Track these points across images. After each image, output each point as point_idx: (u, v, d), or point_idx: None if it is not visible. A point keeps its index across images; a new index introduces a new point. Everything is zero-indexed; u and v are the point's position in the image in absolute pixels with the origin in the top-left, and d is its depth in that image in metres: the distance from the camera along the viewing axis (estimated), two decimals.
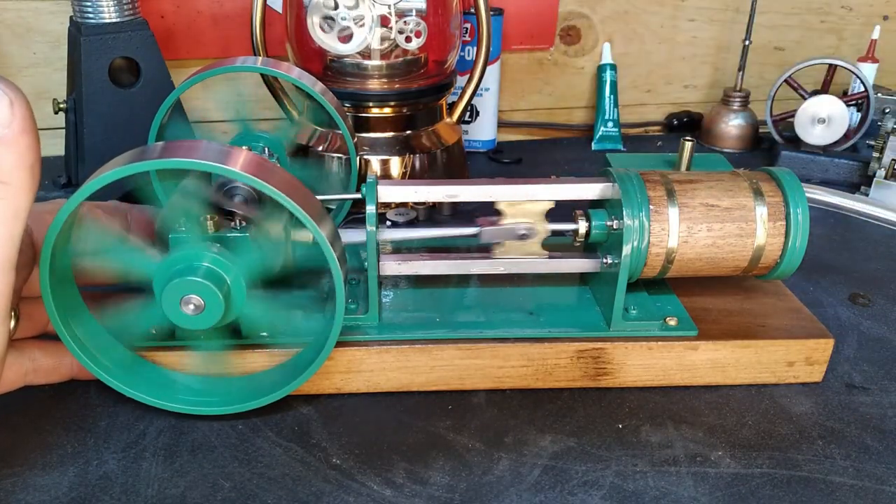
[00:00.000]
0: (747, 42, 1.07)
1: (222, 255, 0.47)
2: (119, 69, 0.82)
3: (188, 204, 0.51)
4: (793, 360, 0.56)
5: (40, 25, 0.94)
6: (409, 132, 0.85)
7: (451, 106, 0.93)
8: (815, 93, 1.00)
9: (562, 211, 0.57)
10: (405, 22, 0.82)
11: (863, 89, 1.01)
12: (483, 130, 1.07)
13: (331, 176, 0.82)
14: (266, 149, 0.67)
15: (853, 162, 0.97)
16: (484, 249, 0.57)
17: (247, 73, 0.80)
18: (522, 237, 0.55)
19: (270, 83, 0.88)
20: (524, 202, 0.55)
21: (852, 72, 1.01)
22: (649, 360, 0.55)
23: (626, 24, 1.13)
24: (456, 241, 0.64)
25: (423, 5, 0.83)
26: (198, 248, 0.47)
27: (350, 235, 0.55)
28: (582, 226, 0.56)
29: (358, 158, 0.76)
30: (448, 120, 0.91)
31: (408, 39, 0.82)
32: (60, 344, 0.52)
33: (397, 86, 0.84)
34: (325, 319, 0.52)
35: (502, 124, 1.12)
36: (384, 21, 0.81)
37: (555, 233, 0.56)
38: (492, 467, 0.49)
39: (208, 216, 0.49)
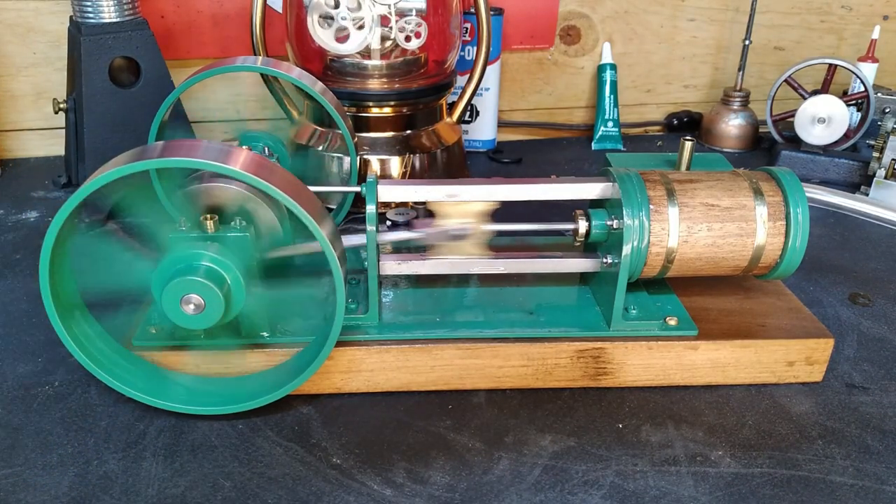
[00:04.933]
0: (747, 42, 1.07)
1: (222, 254, 0.47)
2: (119, 69, 0.82)
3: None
4: (793, 359, 0.56)
5: (40, 25, 0.94)
6: (408, 132, 0.85)
7: (451, 106, 0.93)
8: (815, 93, 1.00)
9: (562, 211, 0.57)
10: (405, 22, 0.82)
11: (863, 89, 1.01)
12: (483, 130, 1.07)
13: (331, 176, 0.82)
14: (266, 148, 0.67)
15: (853, 162, 0.97)
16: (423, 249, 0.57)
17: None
18: (459, 237, 0.55)
19: (270, 83, 0.88)
20: (466, 203, 0.55)
21: (852, 72, 1.01)
22: (649, 360, 0.55)
23: (626, 24, 1.13)
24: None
25: (423, 5, 0.83)
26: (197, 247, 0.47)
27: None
28: (582, 225, 0.56)
29: (358, 158, 0.76)
30: (448, 120, 0.91)
31: (408, 39, 0.82)
32: None
33: (397, 86, 0.84)
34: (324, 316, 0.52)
35: (502, 124, 1.12)
36: (384, 21, 0.81)
37: (553, 232, 0.56)
38: (492, 467, 0.49)
39: (208, 216, 0.49)
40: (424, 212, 0.82)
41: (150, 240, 0.49)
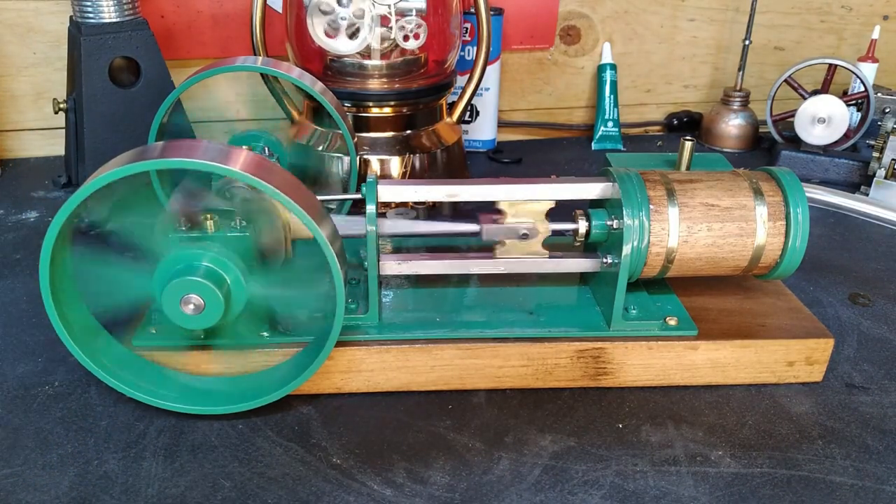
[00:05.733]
0: (747, 42, 1.07)
1: (222, 254, 0.47)
2: (119, 69, 0.82)
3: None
4: (793, 359, 0.56)
5: (40, 25, 0.94)
6: (408, 132, 0.85)
7: (451, 106, 0.93)
8: (815, 93, 1.00)
9: (562, 211, 0.57)
10: (405, 22, 0.82)
11: (863, 89, 1.01)
12: (483, 130, 1.07)
13: (330, 176, 0.82)
14: (266, 148, 0.67)
15: (853, 162, 0.97)
16: (485, 248, 0.57)
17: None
18: (523, 237, 0.55)
19: (270, 83, 0.88)
20: (525, 202, 0.55)
21: (852, 72, 1.01)
22: (649, 360, 0.55)
23: (626, 24, 1.13)
24: (457, 240, 0.64)
25: (423, 5, 0.83)
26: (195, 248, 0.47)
27: (349, 227, 0.54)
28: (582, 225, 0.56)
29: (358, 158, 0.76)
30: (448, 120, 0.91)
31: (407, 39, 0.82)
32: None
33: (397, 86, 0.84)
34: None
35: (502, 124, 1.12)
36: (384, 21, 0.81)
37: (555, 232, 0.56)
38: (492, 467, 0.49)
39: (208, 216, 0.49)
40: (425, 212, 0.82)
41: (148, 241, 0.49)
